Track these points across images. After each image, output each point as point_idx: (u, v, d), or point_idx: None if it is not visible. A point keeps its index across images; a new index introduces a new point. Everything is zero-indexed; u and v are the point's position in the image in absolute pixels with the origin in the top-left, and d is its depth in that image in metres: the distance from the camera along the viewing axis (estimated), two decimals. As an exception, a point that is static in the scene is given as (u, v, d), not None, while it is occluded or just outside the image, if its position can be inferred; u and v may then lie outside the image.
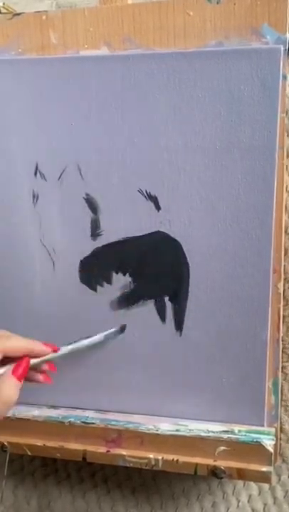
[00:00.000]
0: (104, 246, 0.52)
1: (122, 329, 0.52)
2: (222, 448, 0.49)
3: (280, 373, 0.50)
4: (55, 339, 0.54)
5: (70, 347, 0.48)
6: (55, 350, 0.46)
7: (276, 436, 0.50)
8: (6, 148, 0.53)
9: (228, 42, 0.47)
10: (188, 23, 0.48)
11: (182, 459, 0.50)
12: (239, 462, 0.49)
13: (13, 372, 0.42)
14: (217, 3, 0.47)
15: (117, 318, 0.53)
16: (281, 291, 0.49)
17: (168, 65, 0.48)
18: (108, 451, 0.52)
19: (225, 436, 0.49)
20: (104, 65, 0.49)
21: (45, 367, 0.46)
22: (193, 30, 0.47)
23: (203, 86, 0.47)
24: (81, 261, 0.53)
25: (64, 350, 0.47)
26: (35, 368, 0.45)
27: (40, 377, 0.46)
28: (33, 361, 0.44)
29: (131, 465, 0.52)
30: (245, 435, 0.49)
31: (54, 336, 0.54)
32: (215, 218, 0.49)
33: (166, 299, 0.52)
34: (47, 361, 0.46)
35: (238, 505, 0.60)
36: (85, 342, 0.50)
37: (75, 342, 0.49)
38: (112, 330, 0.52)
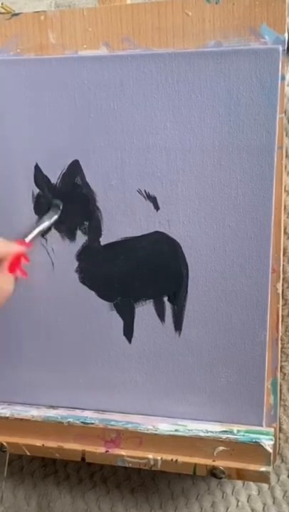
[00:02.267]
0: (103, 246, 0.52)
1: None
2: (221, 448, 0.49)
3: (278, 373, 0.50)
4: (55, 339, 0.55)
5: (32, 235, 0.52)
6: (28, 246, 0.51)
7: (275, 436, 0.50)
8: (5, 149, 0.53)
9: (227, 42, 0.47)
10: (186, 23, 0.48)
11: (181, 459, 0.50)
12: (238, 462, 0.49)
13: (10, 269, 0.49)
14: (216, 3, 0.46)
15: (116, 318, 0.53)
16: (280, 291, 0.49)
17: (167, 65, 0.48)
18: (107, 451, 0.52)
19: (224, 436, 0.49)
20: (102, 65, 0.49)
21: (24, 261, 0.52)
22: (192, 31, 0.47)
23: (202, 86, 0.47)
24: (80, 261, 0.53)
25: (29, 238, 0.52)
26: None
27: (18, 272, 0.51)
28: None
29: (130, 465, 0.52)
30: (244, 435, 0.49)
31: (54, 336, 0.55)
32: (214, 218, 0.49)
33: (166, 299, 0.52)
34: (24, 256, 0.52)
35: (237, 505, 0.60)
36: (45, 224, 0.53)
37: (34, 230, 0.52)
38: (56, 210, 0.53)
